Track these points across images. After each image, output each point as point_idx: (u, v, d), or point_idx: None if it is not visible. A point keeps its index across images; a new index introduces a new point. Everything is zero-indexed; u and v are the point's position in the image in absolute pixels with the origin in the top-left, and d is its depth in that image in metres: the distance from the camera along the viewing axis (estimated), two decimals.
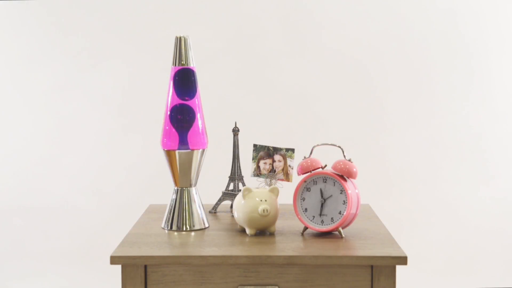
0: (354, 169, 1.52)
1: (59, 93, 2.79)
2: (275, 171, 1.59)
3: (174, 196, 1.60)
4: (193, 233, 1.56)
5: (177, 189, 1.60)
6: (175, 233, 1.57)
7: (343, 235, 1.52)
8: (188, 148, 1.57)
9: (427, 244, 2.79)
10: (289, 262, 1.38)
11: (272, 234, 1.54)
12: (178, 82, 1.57)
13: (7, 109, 2.81)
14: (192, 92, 1.58)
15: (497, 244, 2.81)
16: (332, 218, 1.51)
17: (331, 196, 1.52)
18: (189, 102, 1.57)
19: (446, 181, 2.81)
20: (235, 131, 1.73)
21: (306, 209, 1.53)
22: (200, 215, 1.60)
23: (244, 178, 1.74)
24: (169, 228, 1.59)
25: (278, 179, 1.59)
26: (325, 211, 1.52)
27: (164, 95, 1.63)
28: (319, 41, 2.79)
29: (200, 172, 1.62)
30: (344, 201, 1.51)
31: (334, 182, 1.52)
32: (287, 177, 1.58)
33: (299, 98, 2.79)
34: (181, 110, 1.57)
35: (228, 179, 1.75)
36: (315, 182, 1.53)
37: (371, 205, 1.86)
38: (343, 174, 1.52)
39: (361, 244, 1.46)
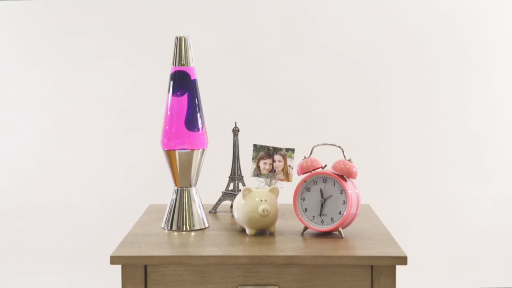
0: (354, 169, 1.52)
1: (59, 93, 2.79)
2: (275, 171, 1.59)
3: (174, 196, 1.60)
4: (193, 233, 1.56)
5: (177, 189, 1.60)
6: (175, 233, 1.57)
7: (343, 235, 1.52)
8: (188, 148, 1.57)
9: (427, 244, 2.79)
10: (289, 262, 1.38)
11: (272, 234, 1.54)
12: (178, 82, 1.57)
13: (8, 109, 2.80)
14: (192, 92, 1.58)
15: (497, 244, 2.81)
16: (332, 218, 1.51)
17: (331, 196, 1.52)
18: (189, 102, 1.57)
19: (445, 181, 2.81)
20: (235, 131, 1.73)
21: (306, 209, 1.53)
22: (200, 215, 1.60)
23: (244, 178, 1.74)
24: (169, 228, 1.59)
25: (278, 179, 1.58)
26: (325, 211, 1.52)
27: (164, 95, 1.63)
28: (319, 42, 2.79)
29: (200, 172, 1.62)
30: (344, 201, 1.50)
31: (334, 182, 1.52)
32: (287, 177, 1.58)
33: (299, 98, 2.79)
34: (181, 110, 1.56)
35: (228, 179, 1.75)
36: (315, 182, 1.53)
37: (371, 205, 1.86)
38: (343, 174, 1.52)
39: (361, 244, 1.46)
